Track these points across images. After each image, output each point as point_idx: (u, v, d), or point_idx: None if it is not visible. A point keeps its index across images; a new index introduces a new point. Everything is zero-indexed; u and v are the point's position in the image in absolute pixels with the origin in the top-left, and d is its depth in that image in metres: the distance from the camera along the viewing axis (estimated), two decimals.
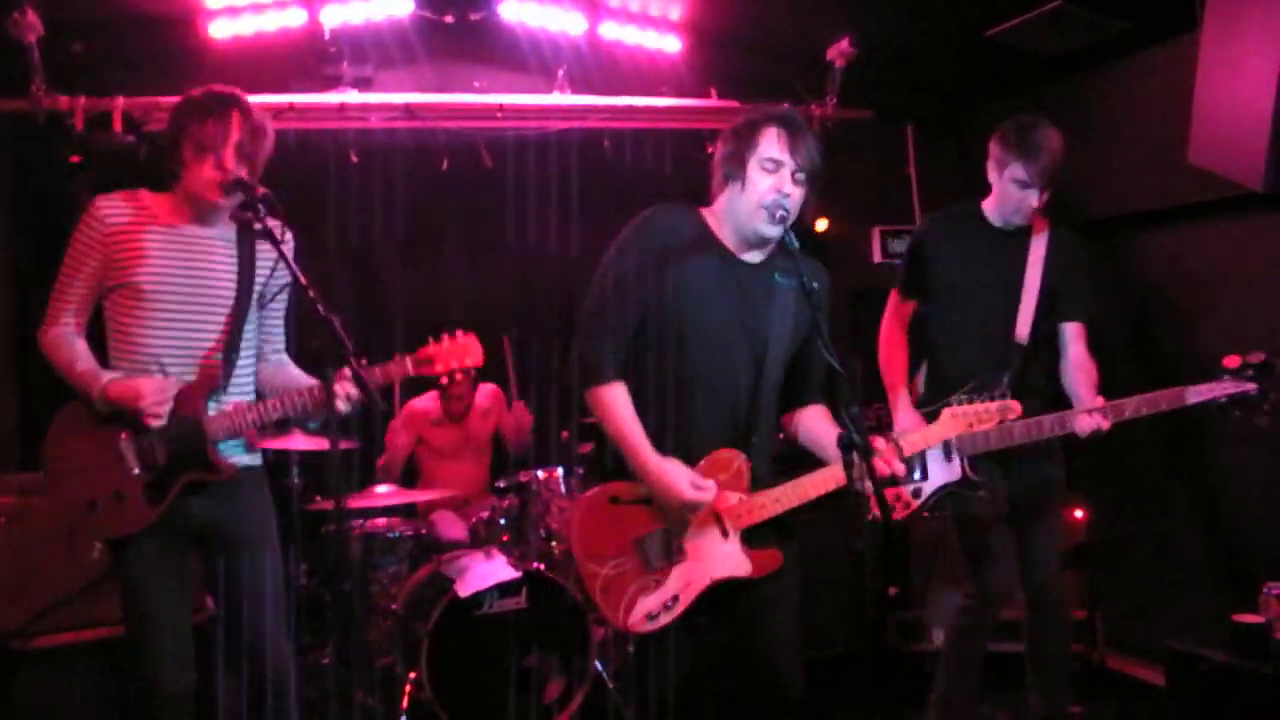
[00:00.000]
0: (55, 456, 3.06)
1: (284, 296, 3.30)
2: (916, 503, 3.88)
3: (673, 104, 5.93)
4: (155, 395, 2.97)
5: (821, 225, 6.28)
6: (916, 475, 3.88)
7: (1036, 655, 4.06)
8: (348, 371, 2.84)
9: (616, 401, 2.91)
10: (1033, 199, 3.78)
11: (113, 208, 3.06)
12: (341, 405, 2.94)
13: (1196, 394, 3.54)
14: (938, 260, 4.00)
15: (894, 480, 2.93)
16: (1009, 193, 3.83)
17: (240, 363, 3.17)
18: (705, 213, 3.03)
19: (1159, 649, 4.17)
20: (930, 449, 3.79)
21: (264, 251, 3.18)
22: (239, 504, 3.17)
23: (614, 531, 2.93)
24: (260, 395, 3.29)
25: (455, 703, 4.34)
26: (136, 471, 3.00)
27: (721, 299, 2.92)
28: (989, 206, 3.96)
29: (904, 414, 3.92)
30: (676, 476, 2.84)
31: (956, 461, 3.80)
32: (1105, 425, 3.60)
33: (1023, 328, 3.85)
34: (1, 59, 4.77)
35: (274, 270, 3.17)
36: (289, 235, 3.08)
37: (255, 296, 3.19)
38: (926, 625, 5.29)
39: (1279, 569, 4.22)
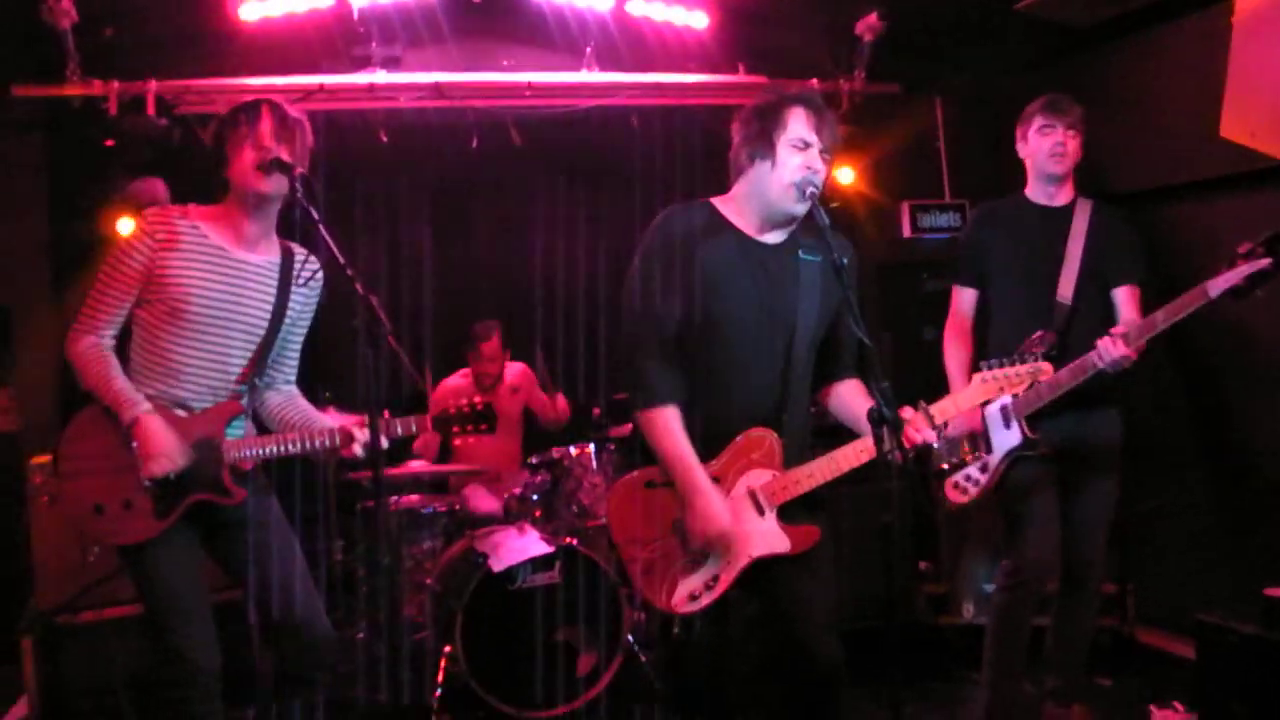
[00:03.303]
0: (68, 455, 3.06)
1: (306, 323, 3.33)
2: (986, 477, 3.88)
3: (700, 80, 5.93)
4: (166, 455, 2.98)
5: (848, 178, 6.22)
6: (981, 452, 3.89)
7: (1062, 632, 4.05)
8: (365, 422, 2.91)
9: (669, 426, 2.89)
10: (1059, 136, 3.89)
11: (163, 224, 3.04)
12: (358, 450, 3.12)
13: (1216, 286, 3.50)
14: (987, 244, 4.08)
15: (928, 448, 2.94)
16: (1040, 147, 3.93)
17: (259, 389, 3.23)
18: (717, 202, 3.04)
19: (1189, 622, 4.16)
20: (989, 421, 3.85)
21: (301, 292, 3.23)
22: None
23: (652, 515, 2.95)
24: (263, 423, 3.30)
25: (489, 676, 4.40)
26: (148, 484, 3.00)
27: (745, 285, 2.94)
28: (1029, 189, 4.07)
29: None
30: (719, 510, 2.85)
31: (1015, 426, 3.80)
32: (1131, 354, 3.56)
33: (1065, 287, 3.89)
34: (37, 45, 4.82)
35: (307, 260, 3.22)
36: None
37: (285, 325, 3.21)
38: (956, 598, 5.30)
39: None
